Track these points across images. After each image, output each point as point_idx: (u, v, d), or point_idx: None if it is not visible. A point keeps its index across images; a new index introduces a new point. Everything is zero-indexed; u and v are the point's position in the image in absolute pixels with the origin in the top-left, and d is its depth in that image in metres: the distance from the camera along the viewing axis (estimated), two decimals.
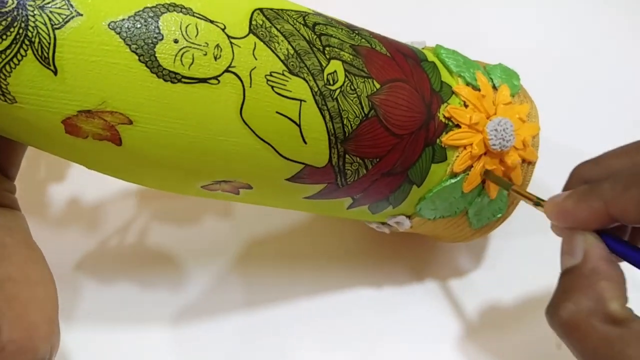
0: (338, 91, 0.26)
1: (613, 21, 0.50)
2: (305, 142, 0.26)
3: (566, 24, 0.51)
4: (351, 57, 0.27)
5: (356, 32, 0.28)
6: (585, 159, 0.28)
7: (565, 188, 0.28)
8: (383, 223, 0.33)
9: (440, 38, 0.35)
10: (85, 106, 0.22)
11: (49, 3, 0.21)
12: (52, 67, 0.21)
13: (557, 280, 0.25)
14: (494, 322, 0.36)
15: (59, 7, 0.21)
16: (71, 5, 0.21)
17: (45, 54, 0.21)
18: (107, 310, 0.34)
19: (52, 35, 0.21)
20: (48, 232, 0.36)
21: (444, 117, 0.29)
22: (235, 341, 0.34)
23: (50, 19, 0.21)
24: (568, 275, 0.24)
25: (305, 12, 0.27)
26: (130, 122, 0.23)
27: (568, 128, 0.42)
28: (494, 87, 0.31)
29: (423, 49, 0.33)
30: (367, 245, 0.38)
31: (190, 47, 0.23)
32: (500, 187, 0.30)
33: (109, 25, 0.22)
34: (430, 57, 0.31)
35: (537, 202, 0.27)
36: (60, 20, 0.21)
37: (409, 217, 0.32)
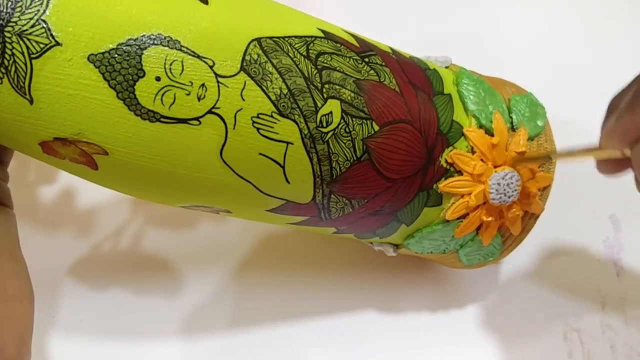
0: (330, 134, 0.25)
1: (624, 22, 0.47)
2: (289, 182, 0.25)
3: (576, 24, 0.47)
4: (352, 95, 0.25)
5: (366, 59, 0.27)
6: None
7: (604, 125, 0.26)
8: (371, 243, 0.34)
9: (450, 36, 0.33)
10: (61, 135, 0.22)
11: (27, 30, 0.20)
12: (27, 97, 0.21)
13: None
14: (495, 332, 0.36)
15: (38, 35, 0.21)
16: (51, 34, 0.21)
17: (21, 84, 0.21)
18: (99, 316, 0.35)
19: (29, 64, 0.21)
20: (38, 235, 0.36)
21: (446, 162, 0.28)
22: (230, 349, 0.34)
23: (28, 48, 0.21)
24: None
25: (313, 37, 0.25)
26: (106, 153, 0.23)
27: (569, 127, 0.40)
28: (512, 128, 0.30)
29: (447, 67, 0.31)
30: (364, 252, 0.38)
31: (173, 86, 0.22)
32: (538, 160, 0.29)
33: (88, 57, 0.21)
34: (449, 86, 0.30)
35: (591, 149, 0.26)
36: (39, 49, 0.21)
37: (396, 246, 0.32)
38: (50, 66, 0.21)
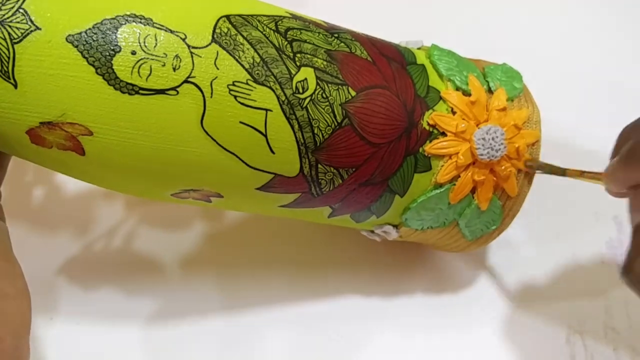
0: (308, 100, 0.26)
1: (624, 20, 0.48)
2: (273, 152, 0.26)
3: (575, 20, 0.49)
4: (325, 63, 0.27)
5: (335, 35, 0.28)
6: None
7: (613, 155, 0.28)
8: (372, 231, 0.33)
9: (445, 35, 0.34)
10: (46, 118, 0.23)
11: (7, 18, 0.22)
12: (12, 81, 0.22)
13: (630, 240, 0.25)
14: (496, 335, 0.35)
15: (18, 22, 0.22)
16: (30, 20, 0.22)
17: (5, 68, 0.22)
18: (92, 316, 0.35)
19: (11, 49, 0.22)
20: (33, 235, 0.37)
21: (428, 124, 0.29)
22: (223, 349, 0.34)
23: (9, 34, 0.22)
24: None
25: (280, 16, 0.27)
26: (91, 133, 0.24)
27: (572, 127, 0.40)
28: (490, 91, 0.31)
29: (419, 48, 0.33)
30: (361, 252, 0.38)
31: (148, 58, 0.23)
32: (545, 173, 0.31)
33: (66, 38, 0.23)
34: (421, 59, 0.31)
35: (597, 178, 0.28)
36: (19, 34, 0.22)
37: (396, 226, 0.32)
38: (31, 49, 0.22)
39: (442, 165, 0.29)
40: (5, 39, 0.22)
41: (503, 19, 0.49)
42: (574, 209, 0.40)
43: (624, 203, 0.39)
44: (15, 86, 0.23)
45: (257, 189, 0.27)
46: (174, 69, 0.24)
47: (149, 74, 0.23)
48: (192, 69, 0.24)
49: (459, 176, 0.29)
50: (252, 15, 0.26)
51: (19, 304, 0.25)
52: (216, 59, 0.24)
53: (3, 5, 0.22)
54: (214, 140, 0.25)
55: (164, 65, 0.24)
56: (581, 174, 0.29)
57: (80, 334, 0.34)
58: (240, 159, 0.26)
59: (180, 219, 0.39)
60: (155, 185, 0.26)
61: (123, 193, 0.29)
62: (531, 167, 0.30)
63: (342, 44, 0.28)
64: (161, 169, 0.25)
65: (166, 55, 0.24)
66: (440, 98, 0.29)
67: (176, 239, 0.38)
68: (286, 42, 0.26)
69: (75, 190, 0.39)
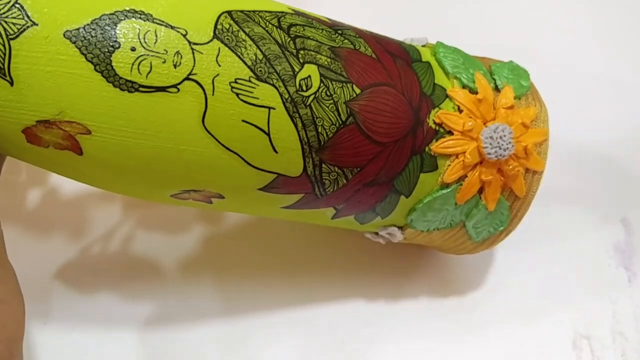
0: (312, 97, 0.26)
1: (630, 18, 0.49)
2: (276, 151, 0.26)
3: (583, 18, 0.49)
4: (329, 60, 0.26)
5: (339, 32, 0.28)
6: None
7: None
8: (376, 233, 0.33)
9: (448, 33, 0.34)
10: (43, 116, 0.23)
11: (4, 13, 0.22)
12: (8, 78, 0.22)
13: None
14: (501, 339, 0.35)
15: (14, 17, 0.22)
16: (27, 15, 0.22)
17: (1, 65, 0.22)
18: (88, 321, 0.34)
19: (7, 46, 0.22)
20: (27, 238, 0.37)
21: (435, 123, 0.29)
22: (223, 354, 0.34)
23: (5, 30, 0.22)
24: None
25: (283, 12, 0.27)
26: (89, 132, 0.23)
27: (579, 128, 0.40)
28: (497, 89, 0.31)
29: (424, 46, 0.32)
30: (365, 255, 0.38)
31: (148, 54, 0.23)
32: None
33: (64, 34, 0.22)
34: (426, 56, 0.31)
35: None
36: (15, 30, 0.22)
37: (401, 228, 0.32)
38: (28, 45, 0.22)
39: (449, 165, 0.29)
40: (0, 35, 0.22)
41: (508, 17, 0.49)
42: (582, 210, 0.40)
43: (632, 204, 0.40)
44: (11, 84, 0.22)
45: (260, 189, 0.27)
46: (175, 66, 0.23)
47: (149, 71, 0.23)
48: (194, 66, 0.24)
49: (466, 176, 0.29)
50: (254, 11, 0.26)
51: (13, 309, 0.24)
52: (218, 55, 0.24)
53: None
54: (216, 139, 0.25)
55: (164, 62, 0.23)
56: None
57: (75, 339, 0.34)
58: (242, 159, 0.26)
59: (179, 221, 0.38)
60: (154, 186, 0.26)
61: (121, 194, 0.28)
62: None
63: (346, 41, 0.28)
64: (161, 169, 0.25)
65: (167, 51, 0.23)
66: (447, 96, 0.29)
67: (175, 241, 0.38)
68: (289, 39, 0.26)
69: (70, 192, 0.39)
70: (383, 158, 0.28)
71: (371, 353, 0.35)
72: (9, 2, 0.22)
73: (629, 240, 0.39)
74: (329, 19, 0.29)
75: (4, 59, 0.22)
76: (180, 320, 0.35)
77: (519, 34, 0.47)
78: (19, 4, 0.22)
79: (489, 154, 0.29)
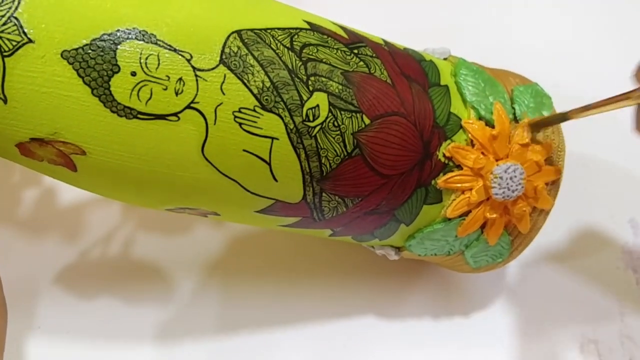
0: (318, 128, 0.25)
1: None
2: (276, 180, 0.25)
3: (593, 18, 0.47)
4: (340, 87, 0.25)
5: (355, 51, 0.27)
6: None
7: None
8: (372, 247, 0.33)
9: (450, 28, 0.33)
10: (37, 135, 0.23)
11: None
12: (1, 96, 0.22)
13: None
14: (508, 343, 0.35)
15: (10, 33, 0.21)
16: (23, 32, 0.21)
17: None
18: (86, 327, 0.34)
19: (1, 63, 0.21)
20: (23, 241, 0.36)
21: (444, 156, 0.28)
22: (224, 358, 0.34)
23: (0, 46, 0.21)
24: None
25: (297, 28, 0.26)
26: (84, 153, 0.23)
27: (587, 128, 0.39)
28: (515, 119, 0.29)
29: (445, 59, 0.31)
30: (363, 256, 0.38)
31: (149, 80, 0.22)
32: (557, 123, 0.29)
33: (62, 54, 0.22)
34: (445, 78, 0.29)
35: (627, 96, 0.25)
36: (11, 47, 0.21)
37: (398, 248, 0.32)
38: (23, 64, 0.21)
39: (454, 200, 0.28)
40: None
41: (521, 18, 0.47)
42: (589, 211, 0.39)
43: (639, 205, 0.39)
44: (5, 102, 0.22)
45: (257, 212, 0.27)
46: (177, 94, 0.23)
47: (149, 98, 0.22)
48: (196, 94, 0.23)
49: (470, 211, 0.29)
50: (265, 30, 0.25)
51: None
52: (223, 83, 0.23)
53: None
54: (215, 167, 0.24)
55: (165, 89, 0.23)
56: (604, 104, 0.26)
57: (69, 345, 0.34)
58: (240, 185, 0.25)
59: (182, 223, 0.38)
60: (150, 203, 0.26)
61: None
62: (535, 126, 0.29)
63: (361, 63, 0.27)
64: (157, 191, 0.25)
65: (169, 77, 0.23)
66: (461, 127, 0.28)
67: (176, 244, 0.37)
68: (300, 63, 0.25)
69: (67, 193, 0.38)
70: (387, 190, 0.27)
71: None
72: (4, 16, 0.21)
73: (637, 242, 0.38)
74: (346, 32, 0.28)
75: None
76: (181, 327, 0.35)
77: (531, 36, 0.45)
78: (14, 17, 0.21)
79: (496, 194, 0.28)
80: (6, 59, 0.21)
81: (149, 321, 0.35)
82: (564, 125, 0.31)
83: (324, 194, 0.26)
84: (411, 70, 0.28)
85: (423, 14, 0.46)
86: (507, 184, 0.28)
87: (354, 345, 0.35)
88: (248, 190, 0.25)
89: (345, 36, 0.27)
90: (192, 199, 0.26)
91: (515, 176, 0.28)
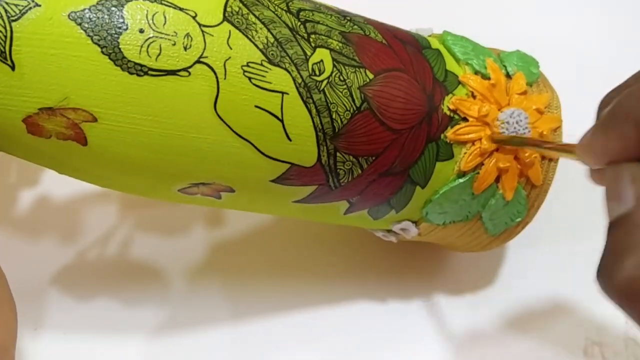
0: (325, 82, 0.25)
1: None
2: (290, 139, 0.25)
3: (594, 9, 0.50)
4: (340, 45, 0.26)
5: (348, 18, 0.28)
6: None
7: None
8: (389, 231, 0.33)
9: (454, 24, 0.34)
10: (47, 103, 0.22)
11: None
12: (9, 62, 0.22)
13: (606, 235, 0.21)
14: (511, 345, 0.35)
15: None
16: None
17: (2, 48, 0.21)
18: (85, 328, 0.34)
19: (8, 28, 0.21)
20: (19, 242, 0.36)
21: (449, 109, 0.29)
22: (223, 358, 0.33)
23: (6, 11, 0.21)
24: (619, 228, 0.20)
25: None
26: (95, 120, 0.23)
27: (589, 121, 0.40)
28: (508, 76, 0.31)
29: (429, 36, 0.33)
30: (373, 256, 0.37)
31: (157, 37, 0.23)
32: (515, 145, 0.29)
33: (69, 15, 0.22)
34: (435, 44, 0.31)
35: (568, 150, 0.24)
36: (17, 11, 0.21)
37: (415, 222, 0.31)
38: (30, 27, 0.21)
39: (465, 153, 0.29)
40: (1, 17, 0.21)
41: (513, 7, 0.49)
42: (592, 214, 0.40)
43: None
44: (13, 68, 0.22)
45: (272, 181, 0.26)
46: (185, 48, 0.23)
47: (159, 54, 0.23)
48: (204, 49, 0.23)
49: (483, 164, 0.29)
50: None
51: (4, 316, 0.24)
52: (229, 38, 0.24)
53: None
54: (228, 126, 0.24)
55: (174, 44, 0.23)
56: (544, 144, 0.27)
57: (68, 347, 0.33)
58: (255, 147, 0.25)
59: (181, 222, 0.37)
60: (162, 178, 0.25)
61: (123, 191, 0.27)
62: (498, 141, 0.29)
63: (356, 27, 0.28)
64: (170, 160, 0.24)
65: (176, 33, 0.23)
66: (459, 82, 0.29)
67: (176, 244, 0.37)
68: (299, 23, 0.26)
69: (64, 192, 0.38)
70: (398, 146, 0.27)
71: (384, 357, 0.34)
72: None
73: None
74: (335, 7, 0.29)
75: (4, 42, 0.21)
76: (183, 327, 0.34)
77: (526, 26, 0.47)
78: None
79: None
80: (13, 24, 0.21)
81: (147, 321, 0.34)
82: (563, 116, 0.32)
83: (338, 154, 0.26)
84: (402, 35, 0.29)
85: (421, 13, 0.48)
86: (515, 128, 0.29)
87: (354, 346, 0.34)
88: (263, 153, 0.25)
89: (335, 8, 0.29)
90: (206, 167, 0.25)
91: (521, 120, 0.29)
